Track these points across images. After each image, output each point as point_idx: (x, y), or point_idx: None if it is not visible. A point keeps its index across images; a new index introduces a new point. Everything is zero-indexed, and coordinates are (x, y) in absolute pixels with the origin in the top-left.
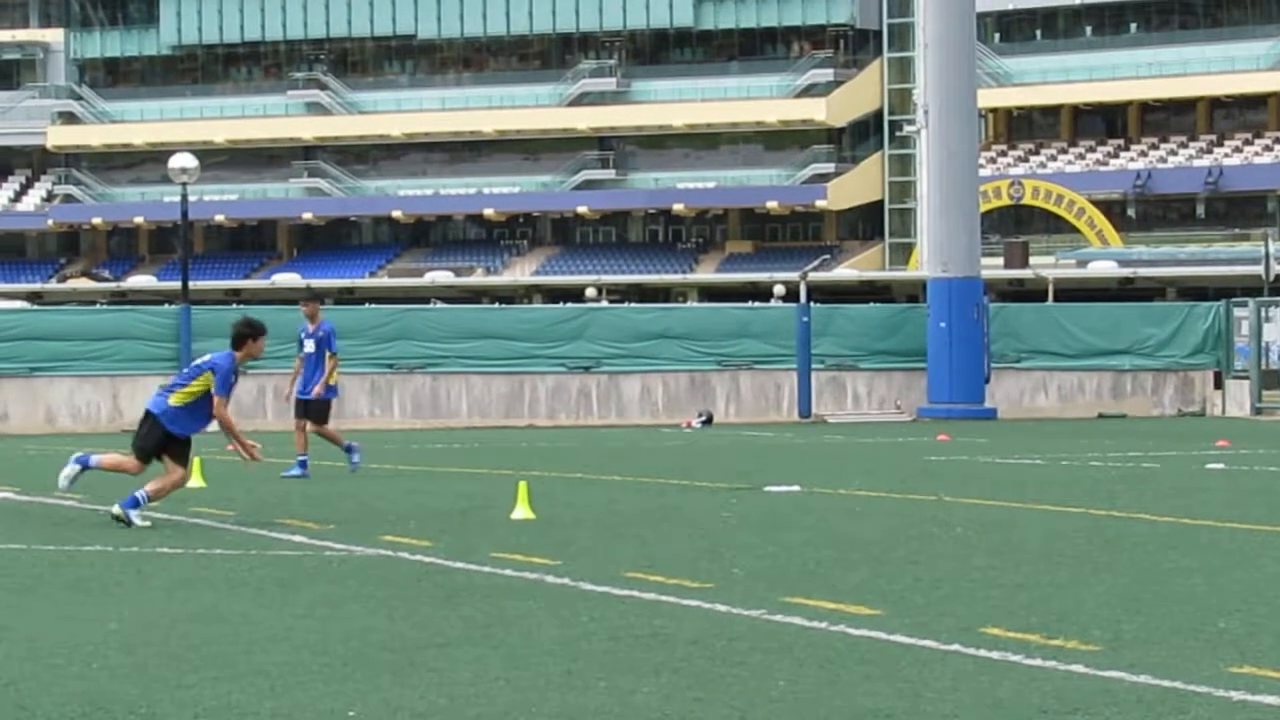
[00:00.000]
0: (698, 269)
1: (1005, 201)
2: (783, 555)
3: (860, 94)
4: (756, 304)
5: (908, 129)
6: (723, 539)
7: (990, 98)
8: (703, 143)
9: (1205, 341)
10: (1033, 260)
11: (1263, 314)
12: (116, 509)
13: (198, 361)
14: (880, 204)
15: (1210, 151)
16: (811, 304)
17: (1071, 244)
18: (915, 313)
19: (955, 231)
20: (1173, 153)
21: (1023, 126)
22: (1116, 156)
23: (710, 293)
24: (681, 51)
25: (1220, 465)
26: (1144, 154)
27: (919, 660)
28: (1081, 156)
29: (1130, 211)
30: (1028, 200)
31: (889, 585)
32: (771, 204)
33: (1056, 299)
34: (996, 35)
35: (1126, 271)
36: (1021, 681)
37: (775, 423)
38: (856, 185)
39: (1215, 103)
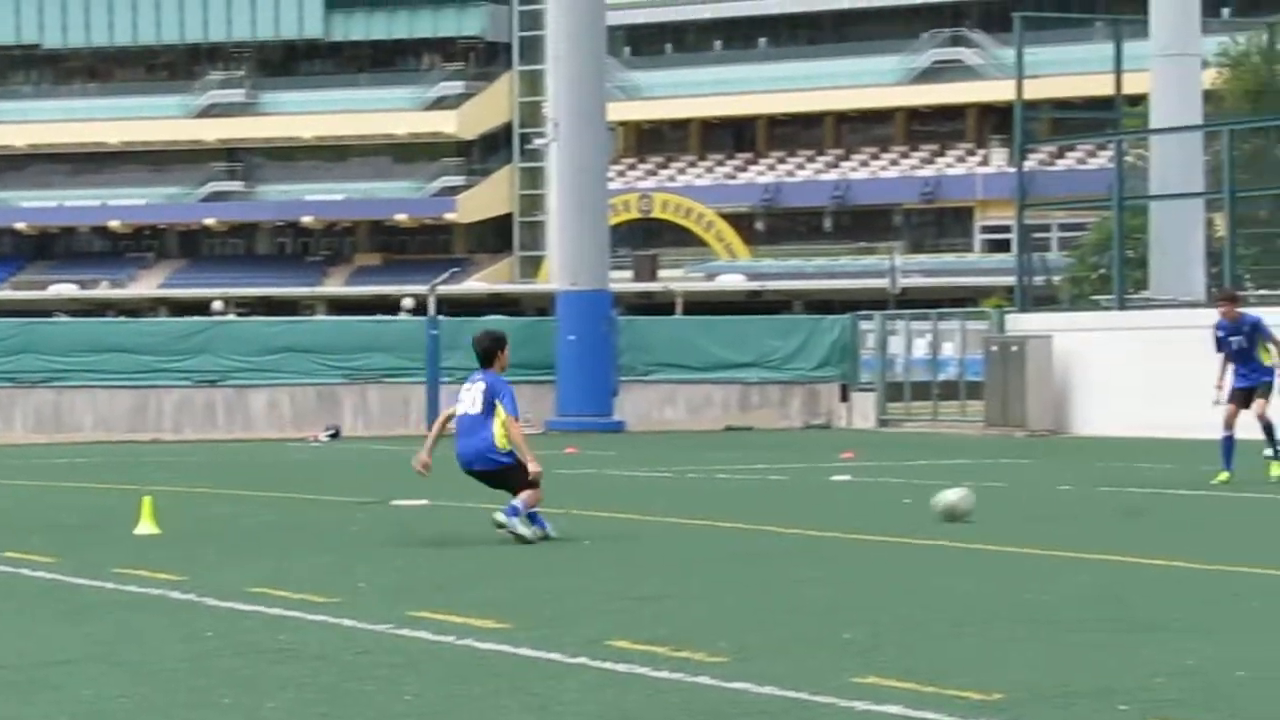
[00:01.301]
0: (326, 282)
1: (635, 215)
2: (410, 569)
3: (490, 107)
4: (385, 317)
5: (538, 142)
6: (350, 553)
7: (620, 111)
8: (332, 155)
9: (831, 354)
10: (662, 273)
11: (888, 327)
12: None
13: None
14: (510, 217)
15: (837, 165)
16: (441, 317)
17: (700, 257)
18: (545, 326)
19: (585, 245)
20: (800, 166)
21: (652, 140)
22: (745, 170)
23: (339, 306)
24: (311, 63)
25: (846, 477)
26: (772, 168)
27: (546, 673)
28: (710, 170)
29: (758, 225)
30: (657, 213)
31: (517, 598)
32: (401, 217)
33: (685, 312)
34: (627, 49)
35: (754, 284)
36: (648, 693)
37: (404, 436)
38: (486, 198)
39: (842, 117)
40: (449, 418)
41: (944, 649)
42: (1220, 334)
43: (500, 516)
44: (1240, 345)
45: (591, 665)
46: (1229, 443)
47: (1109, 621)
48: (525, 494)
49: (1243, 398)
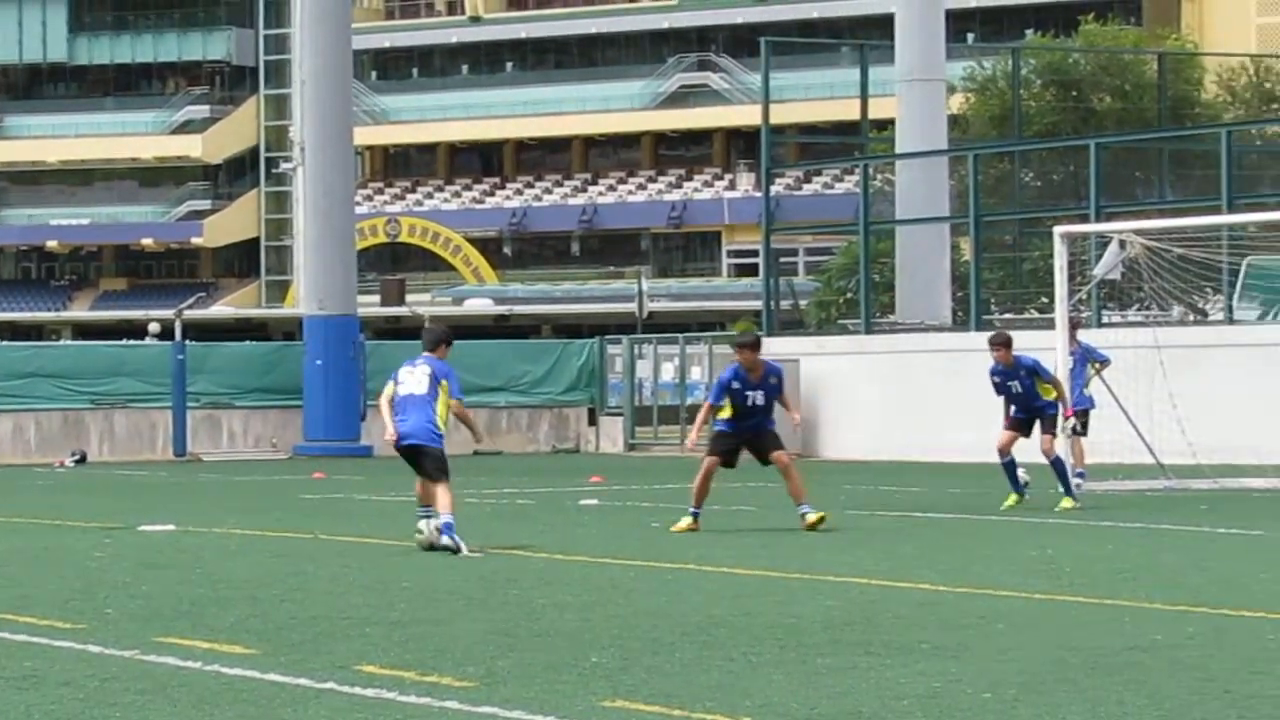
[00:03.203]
0: (71, 306)
1: (382, 239)
2: (157, 595)
3: (237, 131)
4: (131, 342)
5: (284, 166)
6: (96, 579)
7: (367, 135)
8: (77, 179)
9: (579, 378)
10: (409, 298)
11: (636, 351)
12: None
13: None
14: (257, 241)
15: (585, 190)
16: (187, 342)
17: (448, 281)
18: (292, 350)
19: (332, 269)
20: (548, 191)
21: (400, 164)
22: (493, 194)
23: (84, 330)
24: (55, 86)
25: (594, 501)
26: (519, 192)
27: (294, 699)
28: (458, 194)
29: (506, 249)
30: (405, 238)
31: (264, 624)
32: (147, 241)
33: None
34: (374, 73)
35: (502, 309)
36: (396, 718)
37: (150, 461)
38: (233, 222)
39: (590, 141)
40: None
41: (692, 672)
42: (997, 379)
43: (443, 539)
44: (1018, 390)
45: (340, 690)
46: (1010, 467)
47: (857, 644)
48: (448, 503)
49: (1022, 426)
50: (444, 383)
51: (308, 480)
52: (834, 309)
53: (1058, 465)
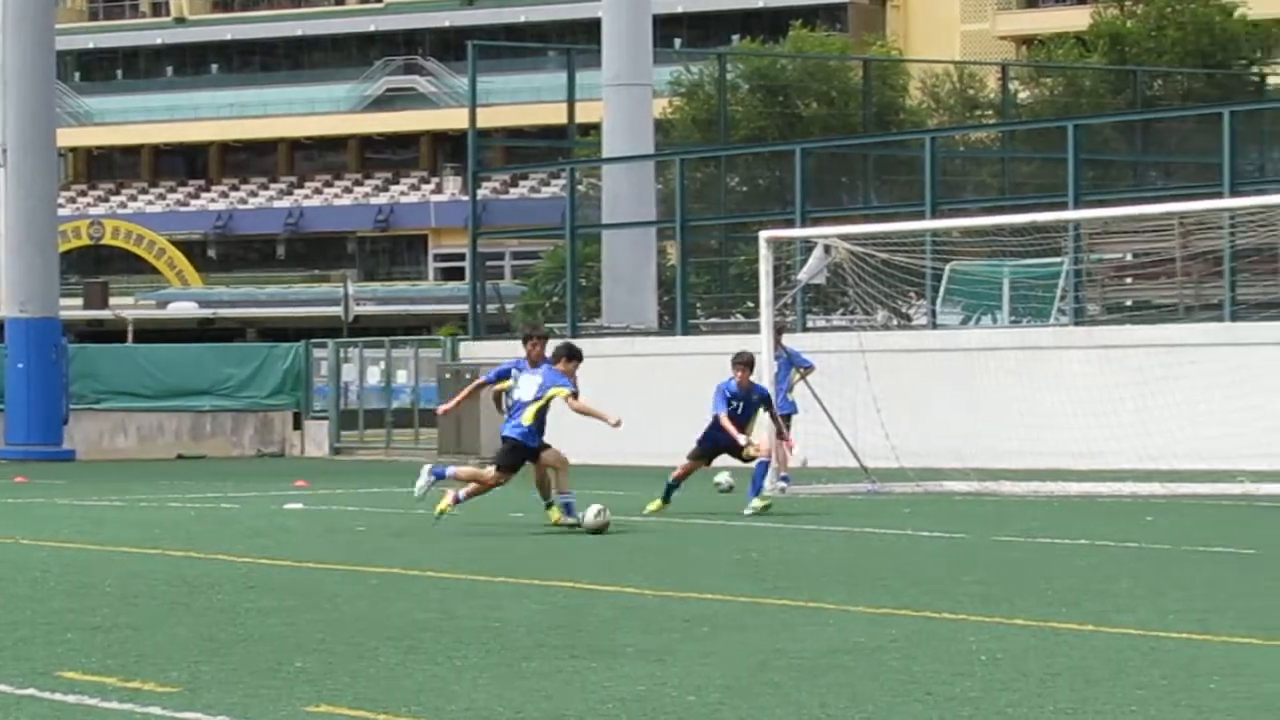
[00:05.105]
0: None
1: (85, 241)
2: None
3: None
4: None
5: None
6: None
7: (70, 137)
8: None
9: (285, 382)
10: (113, 301)
11: (341, 354)
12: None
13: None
14: None
15: (291, 193)
16: None
17: (152, 285)
18: None
19: (34, 271)
20: (253, 194)
21: (104, 166)
22: (198, 197)
23: None
24: None
25: (299, 505)
26: (225, 195)
27: None
28: (162, 197)
29: (211, 252)
30: (108, 240)
31: None
32: None
33: (136, 340)
34: (77, 74)
35: (207, 312)
36: None
37: None
38: None
39: (296, 144)
40: (482, 386)
41: (397, 676)
42: (728, 394)
43: (571, 517)
44: (739, 411)
45: (41, 697)
46: (673, 487)
47: (562, 648)
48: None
49: (708, 457)
50: (557, 387)
51: (10, 484)
52: (540, 313)
53: (761, 468)
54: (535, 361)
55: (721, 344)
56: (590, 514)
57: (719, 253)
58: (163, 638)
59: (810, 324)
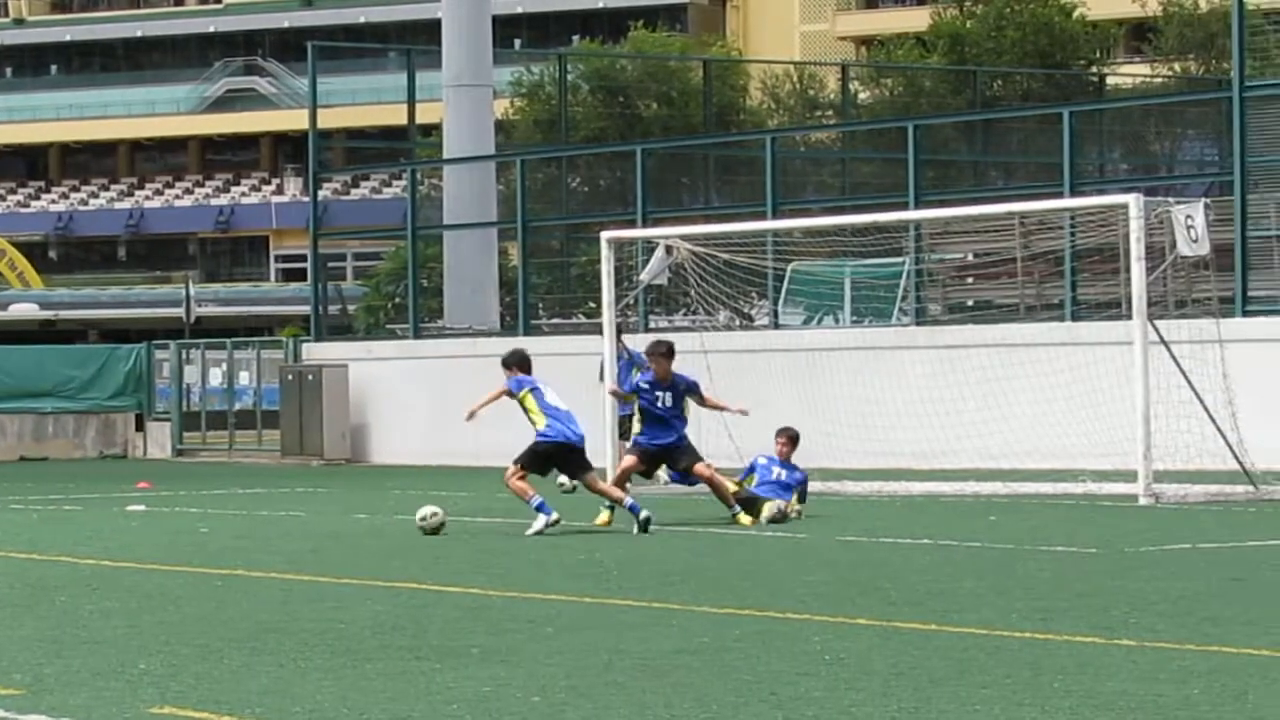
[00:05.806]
0: None
1: None
2: None
3: None
4: None
5: None
6: None
7: None
8: None
9: (127, 384)
10: None
11: (184, 356)
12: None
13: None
14: None
15: (131, 194)
16: None
17: None
18: None
19: None
20: (94, 195)
21: None
22: (38, 198)
23: None
24: None
25: (142, 507)
26: (65, 196)
27: None
28: (2, 198)
29: (52, 253)
30: None
31: None
32: None
33: None
34: None
35: (48, 314)
36: None
37: None
38: None
39: (136, 145)
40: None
41: (241, 678)
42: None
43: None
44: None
45: None
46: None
47: (406, 649)
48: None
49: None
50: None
51: None
52: (383, 314)
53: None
54: (665, 376)
55: (563, 344)
56: (425, 513)
57: (561, 253)
58: (5, 640)
59: (653, 324)
